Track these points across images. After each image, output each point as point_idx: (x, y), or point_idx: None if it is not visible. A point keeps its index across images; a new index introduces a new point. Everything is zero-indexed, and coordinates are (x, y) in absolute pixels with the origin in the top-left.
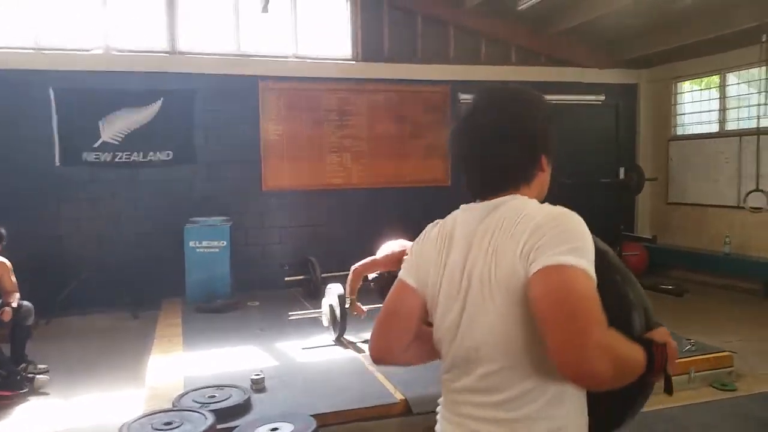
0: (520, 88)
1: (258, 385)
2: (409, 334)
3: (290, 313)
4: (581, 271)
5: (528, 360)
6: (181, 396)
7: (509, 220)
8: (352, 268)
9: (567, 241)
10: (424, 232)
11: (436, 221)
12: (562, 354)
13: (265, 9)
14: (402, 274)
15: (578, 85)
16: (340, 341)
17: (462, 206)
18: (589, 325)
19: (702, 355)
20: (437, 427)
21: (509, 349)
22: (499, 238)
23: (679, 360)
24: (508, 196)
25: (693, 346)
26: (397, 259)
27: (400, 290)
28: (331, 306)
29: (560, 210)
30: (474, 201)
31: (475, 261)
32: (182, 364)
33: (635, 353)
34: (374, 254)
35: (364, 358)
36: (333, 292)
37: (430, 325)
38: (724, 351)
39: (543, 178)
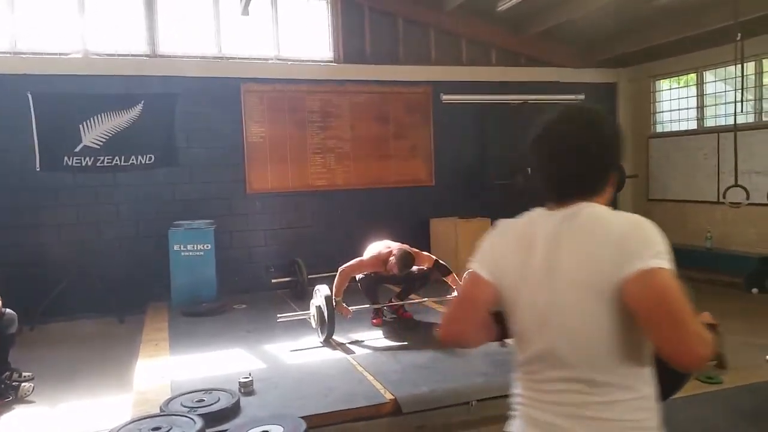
0: (599, 110)
1: (247, 388)
2: (480, 320)
3: (279, 316)
4: (670, 272)
5: (614, 352)
6: (169, 400)
7: (592, 225)
8: (340, 269)
9: (652, 246)
10: (495, 230)
11: (505, 220)
12: (670, 345)
13: (245, 11)
14: (475, 267)
15: (557, 85)
16: (328, 342)
17: (538, 210)
18: (688, 318)
19: None
20: (515, 422)
21: (596, 341)
22: (583, 242)
23: None
24: (584, 204)
25: None
26: (383, 260)
27: (474, 281)
28: (318, 307)
29: (637, 217)
30: (545, 205)
31: (561, 262)
32: (169, 368)
33: (710, 336)
34: (360, 255)
35: (353, 358)
36: (320, 293)
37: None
38: None
39: (609, 193)
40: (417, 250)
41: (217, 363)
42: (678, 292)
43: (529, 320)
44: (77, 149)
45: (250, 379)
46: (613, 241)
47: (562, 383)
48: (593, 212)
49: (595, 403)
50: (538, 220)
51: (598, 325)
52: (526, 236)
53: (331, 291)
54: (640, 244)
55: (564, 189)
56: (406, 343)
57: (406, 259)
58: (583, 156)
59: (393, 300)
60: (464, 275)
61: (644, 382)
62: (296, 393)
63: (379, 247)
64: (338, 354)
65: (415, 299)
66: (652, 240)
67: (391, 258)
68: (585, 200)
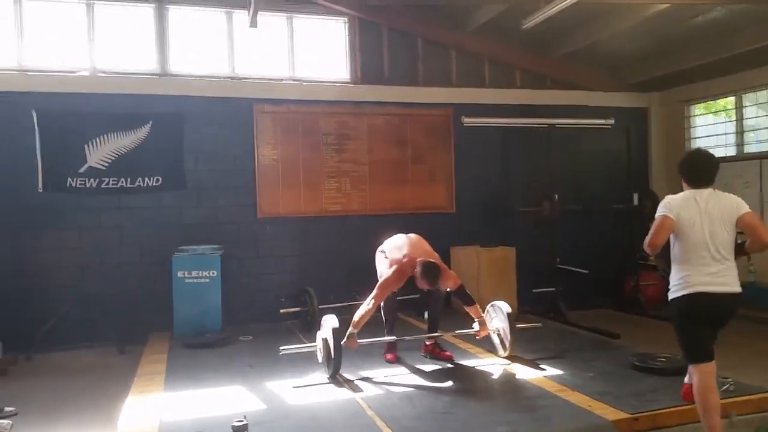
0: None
1: None
2: (666, 238)
3: (281, 348)
4: (752, 212)
5: (732, 247)
6: None
7: (718, 196)
8: (372, 305)
9: (745, 204)
10: (668, 199)
11: (671, 196)
12: (758, 237)
13: (253, 23)
14: (664, 212)
15: (586, 109)
16: (335, 379)
17: (690, 190)
18: (762, 227)
19: (743, 396)
20: (691, 288)
21: (728, 243)
22: (717, 201)
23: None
24: (710, 188)
25: (731, 385)
26: (408, 269)
27: (664, 218)
28: (325, 340)
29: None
30: (691, 189)
31: (709, 209)
32: (160, 406)
33: None
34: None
35: (363, 399)
36: (327, 324)
37: None
38: None
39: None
40: (445, 266)
41: (213, 402)
42: (758, 219)
43: (695, 234)
44: (82, 170)
45: (245, 423)
46: (733, 202)
47: (712, 261)
48: (715, 192)
49: (725, 267)
50: (691, 193)
51: (727, 237)
52: (688, 200)
53: (338, 321)
54: (740, 203)
55: (704, 182)
56: (424, 382)
57: (430, 269)
58: (713, 169)
59: (426, 341)
60: (657, 217)
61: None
62: None
63: (396, 252)
64: (346, 393)
65: (436, 333)
66: (743, 202)
67: (413, 266)
68: (709, 187)
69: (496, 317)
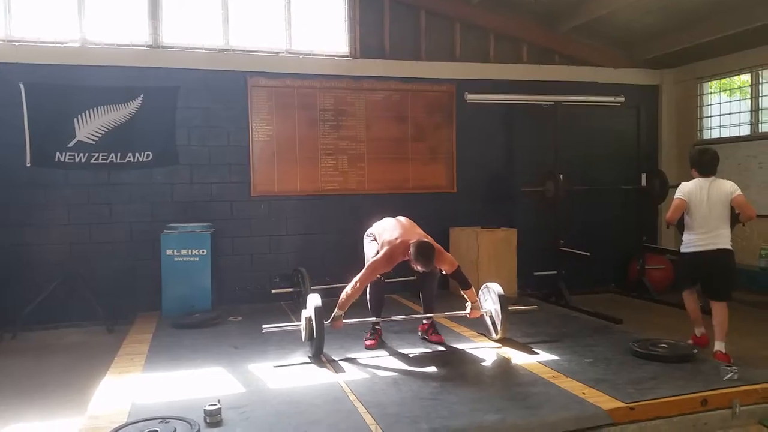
0: None
1: (213, 418)
2: (681, 214)
3: (264, 326)
4: (742, 194)
5: (726, 221)
6: (117, 430)
7: (718, 183)
8: (357, 286)
9: (737, 188)
10: (683, 185)
11: (685, 183)
12: (746, 212)
13: None
14: (680, 196)
15: (595, 86)
16: (318, 359)
17: (698, 179)
18: (749, 206)
19: (747, 385)
20: (694, 248)
21: (723, 216)
22: (717, 187)
23: (720, 390)
24: (713, 177)
25: (735, 374)
26: (399, 251)
27: (680, 201)
28: (308, 319)
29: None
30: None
31: (710, 193)
32: (135, 388)
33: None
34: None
35: (346, 383)
36: (311, 303)
37: None
38: None
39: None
40: (439, 247)
41: (191, 384)
42: (744, 199)
43: (700, 211)
44: (71, 144)
45: (218, 407)
46: (728, 188)
47: (712, 230)
48: (718, 179)
49: (719, 234)
50: (698, 183)
51: (723, 212)
52: (697, 185)
53: (320, 300)
54: (734, 186)
55: (709, 173)
56: (412, 367)
57: (424, 250)
58: (716, 164)
59: (424, 320)
60: (675, 199)
61: (729, 230)
62: (270, 427)
63: (388, 234)
64: (330, 376)
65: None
66: (737, 187)
67: (405, 248)
68: (711, 176)
69: (489, 299)
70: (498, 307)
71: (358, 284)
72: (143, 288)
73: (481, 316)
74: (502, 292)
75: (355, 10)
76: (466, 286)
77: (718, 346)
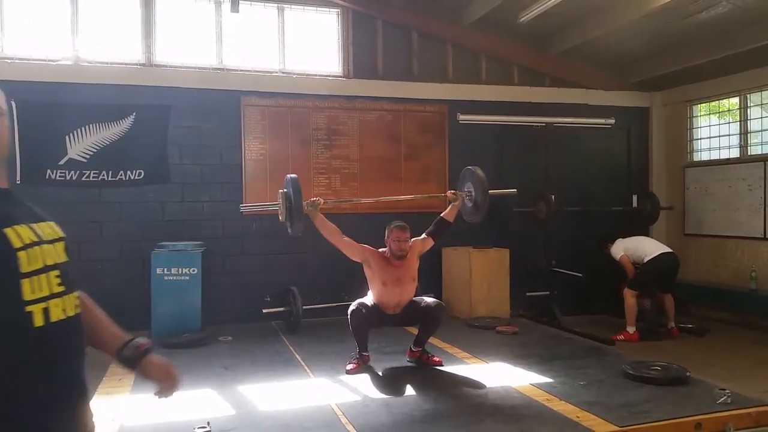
0: None
1: None
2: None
3: (242, 206)
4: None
5: None
6: None
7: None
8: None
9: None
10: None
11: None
12: None
13: (234, 8)
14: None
15: (585, 108)
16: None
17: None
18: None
19: (741, 409)
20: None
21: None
22: None
23: (714, 414)
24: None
25: (728, 397)
26: (375, 249)
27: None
28: (284, 194)
29: None
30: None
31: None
32: (123, 409)
33: None
34: (365, 290)
35: (338, 405)
36: (287, 180)
37: None
38: None
39: None
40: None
41: (180, 406)
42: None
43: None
44: (62, 162)
45: (208, 429)
46: None
47: None
48: None
49: None
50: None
51: None
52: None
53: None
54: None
55: None
56: (405, 389)
57: (399, 222)
58: None
59: (412, 348)
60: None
61: None
62: None
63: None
64: (321, 399)
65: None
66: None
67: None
68: None
69: (468, 181)
70: (478, 184)
71: (339, 235)
72: (133, 307)
73: (462, 201)
74: (483, 175)
75: (348, 31)
76: (446, 215)
77: (672, 324)
